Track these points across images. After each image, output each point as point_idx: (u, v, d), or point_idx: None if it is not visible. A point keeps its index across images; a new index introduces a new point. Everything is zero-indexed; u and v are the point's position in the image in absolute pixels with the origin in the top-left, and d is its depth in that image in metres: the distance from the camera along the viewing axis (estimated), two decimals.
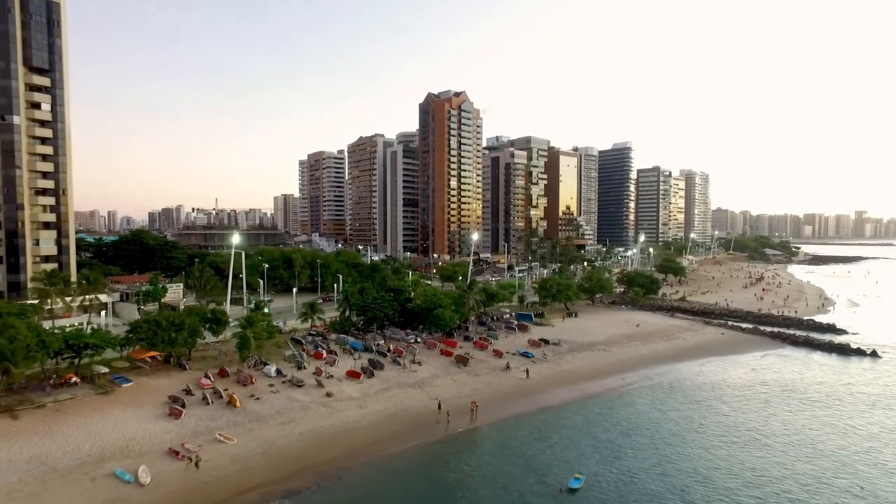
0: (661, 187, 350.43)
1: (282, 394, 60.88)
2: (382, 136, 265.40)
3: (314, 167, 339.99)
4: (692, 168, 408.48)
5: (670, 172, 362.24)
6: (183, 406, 54.60)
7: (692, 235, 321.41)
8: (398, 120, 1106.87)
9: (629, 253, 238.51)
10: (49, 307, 67.41)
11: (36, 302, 66.88)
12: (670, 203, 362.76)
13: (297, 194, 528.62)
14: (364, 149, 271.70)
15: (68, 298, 71.68)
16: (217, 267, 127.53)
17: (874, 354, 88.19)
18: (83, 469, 43.04)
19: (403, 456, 49.15)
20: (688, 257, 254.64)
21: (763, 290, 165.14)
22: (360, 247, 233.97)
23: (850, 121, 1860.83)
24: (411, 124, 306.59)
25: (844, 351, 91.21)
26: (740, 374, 77.58)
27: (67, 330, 62.22)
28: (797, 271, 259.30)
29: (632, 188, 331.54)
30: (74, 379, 58.75)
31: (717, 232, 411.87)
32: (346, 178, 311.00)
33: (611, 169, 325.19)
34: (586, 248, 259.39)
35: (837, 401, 65.89)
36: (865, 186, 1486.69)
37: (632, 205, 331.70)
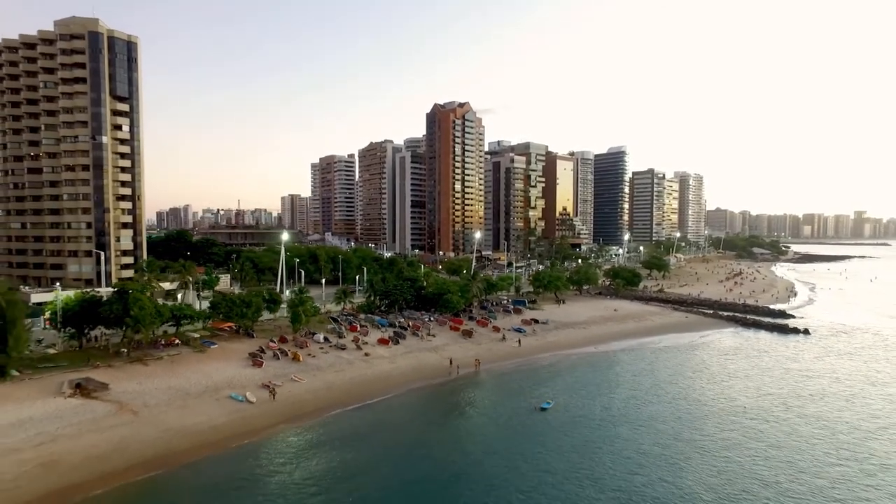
0: (654, 189, 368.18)
1: (331, 354, 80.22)
2: (391, 142, 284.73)
3: (325, 170, 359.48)
4: (687, 170, 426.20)
5: (664, 175, 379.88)
6: (261, 359, 74.00)
7: (678, 234, 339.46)
8: (404, 125, 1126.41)
9: (620, 251, 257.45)
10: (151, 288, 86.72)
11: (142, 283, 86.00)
12: (664, 204, 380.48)
13: (303, 195, 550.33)
14: (374, 154, 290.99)
15: (165, 284, 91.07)
16: (252, 261, 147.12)
17: (806, 332, 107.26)
18: (208, 394, 62.41)
19: (425, 389, 68.94)
20: (676, 255, 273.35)
21: (735, 283, 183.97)
22: (371, 244, 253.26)
23: (851, 122, 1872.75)
24: (417, 129, 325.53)
25: (783, 330, 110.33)
26: (689, 345, 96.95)
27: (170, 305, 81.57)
28: (780, 269, 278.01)
29: (626, 190, 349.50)
30: (177, 341, 78.29)
31: (706, 231, 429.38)
32: (357, 180, 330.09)
33: (606, 171, 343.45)
34: (582, 246, 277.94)
35: (756, 360, 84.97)
36: (865, 187, 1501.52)
37: (626, 206, 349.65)
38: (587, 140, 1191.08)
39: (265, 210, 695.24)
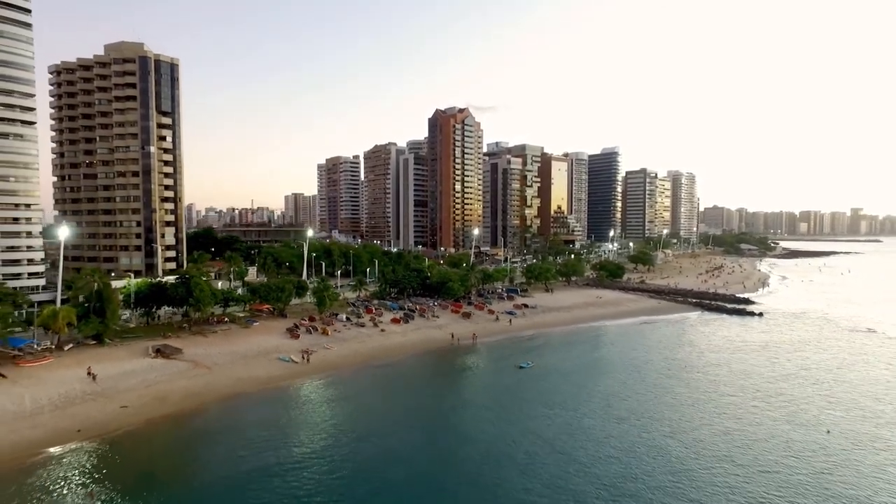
0: (647, 188, 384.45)
1: (352, 330, 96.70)
2: (395, 144, 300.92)
3: (331, 170, 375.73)
4: (680, 169, 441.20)
5: (656, 174, 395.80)
6: (298, 333, 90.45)
7: (665, 231, 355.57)
8: (404, 125, 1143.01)
9: (611, 247, 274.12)
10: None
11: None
12: (656, 202, 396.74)
13: (306, 193, 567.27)
14: (379, 156, 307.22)
15: (211, 274, 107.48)
16: (272, 255, 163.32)
17: (760, 315, 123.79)
18: (261, 356, 78.91)
19: (431, 354, 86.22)
20: (664, 251, 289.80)
21: (711, 275, 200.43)
22: (376, 241, 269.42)
23: (850, 120, 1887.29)
24: (417, 130, 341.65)
25: (741, 313, 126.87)
26: (655, 324, 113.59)
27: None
28: (763, 264, 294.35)
29: (619, 189, 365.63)
30: (226, 319, 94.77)
31: (696, 229, 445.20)
32: (362, 180, 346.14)
33: (599, 171, 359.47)
34: (575, 243, 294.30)
35: (707, 334, 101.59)
36: (862, 184, 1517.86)
37: (619, 204, 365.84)
38: (585, 138, 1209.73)
39: (267, 209, 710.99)
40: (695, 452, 49.11)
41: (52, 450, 48.35)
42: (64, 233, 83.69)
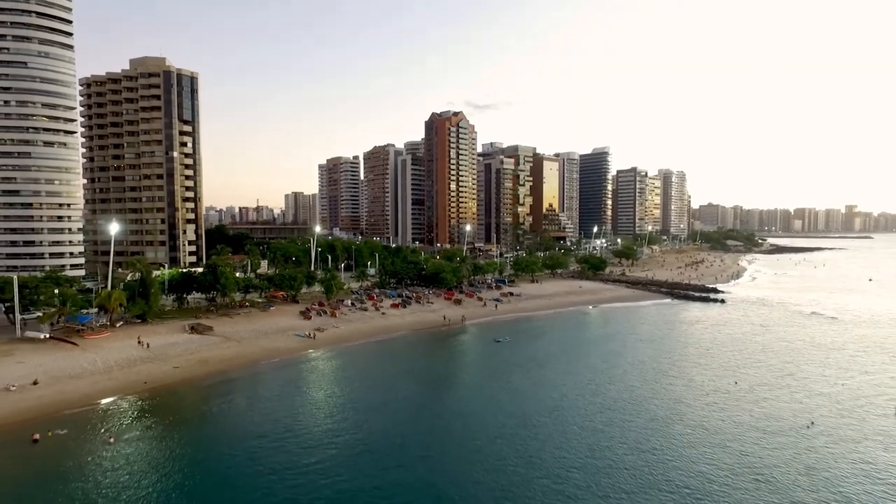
0: (637, 186, 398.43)
1: (357, 313, 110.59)
2: (393, 145, 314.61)
3: (332, 171, 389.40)
4: (671, 168, 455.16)
5: (646, 172, 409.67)
6: (310, 315, 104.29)
7: (649, 228, 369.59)
8: (402, 125, 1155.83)
9: (598, 242, 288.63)
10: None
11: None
12: (646, 200, 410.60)
13: (306, 192, 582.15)
14: (378, 156, 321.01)
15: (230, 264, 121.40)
16: (280, 250, 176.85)
17: (723, 301, 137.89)
18: (279, 333, 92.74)
19: (425, 332, 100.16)
20: (651, 247, 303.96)
21: (688, 268, 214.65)
22: (375, 238, 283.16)
23: (846, 117, 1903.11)
24: (416, 132, 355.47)
25: (706, 300, 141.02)
26: (626, 308, 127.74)
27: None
28: (745, 258, 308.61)
29: (609, 187, 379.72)
30: (246, 304, 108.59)
31: (684, 226, 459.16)
32: (362, 180, 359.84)
33: (590, 170, 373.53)
34: (566, 239, 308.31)
35: (669, 316, 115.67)
36: (858, 181, 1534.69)
37: (609, 202, 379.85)
38: (578, 138, 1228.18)
39: (267, 207, 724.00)
40: (629, 397, 63.05)
41: (128, 396, 62.24)
42: (114, 228, 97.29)
